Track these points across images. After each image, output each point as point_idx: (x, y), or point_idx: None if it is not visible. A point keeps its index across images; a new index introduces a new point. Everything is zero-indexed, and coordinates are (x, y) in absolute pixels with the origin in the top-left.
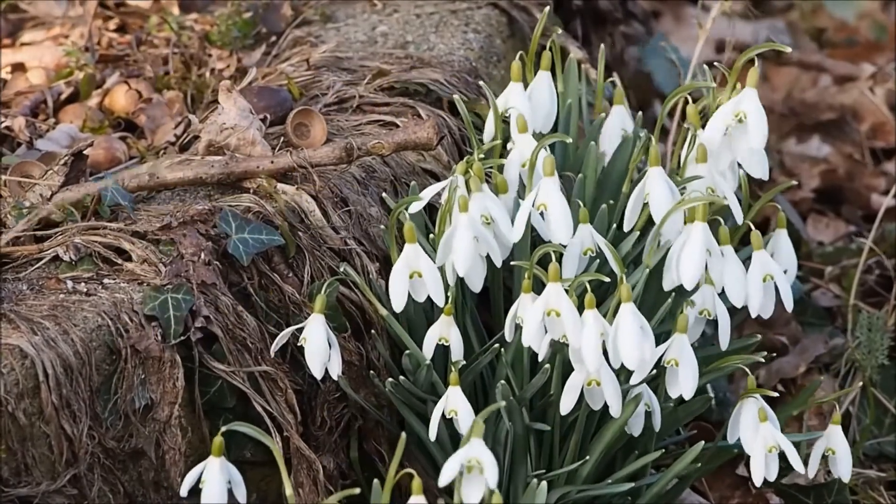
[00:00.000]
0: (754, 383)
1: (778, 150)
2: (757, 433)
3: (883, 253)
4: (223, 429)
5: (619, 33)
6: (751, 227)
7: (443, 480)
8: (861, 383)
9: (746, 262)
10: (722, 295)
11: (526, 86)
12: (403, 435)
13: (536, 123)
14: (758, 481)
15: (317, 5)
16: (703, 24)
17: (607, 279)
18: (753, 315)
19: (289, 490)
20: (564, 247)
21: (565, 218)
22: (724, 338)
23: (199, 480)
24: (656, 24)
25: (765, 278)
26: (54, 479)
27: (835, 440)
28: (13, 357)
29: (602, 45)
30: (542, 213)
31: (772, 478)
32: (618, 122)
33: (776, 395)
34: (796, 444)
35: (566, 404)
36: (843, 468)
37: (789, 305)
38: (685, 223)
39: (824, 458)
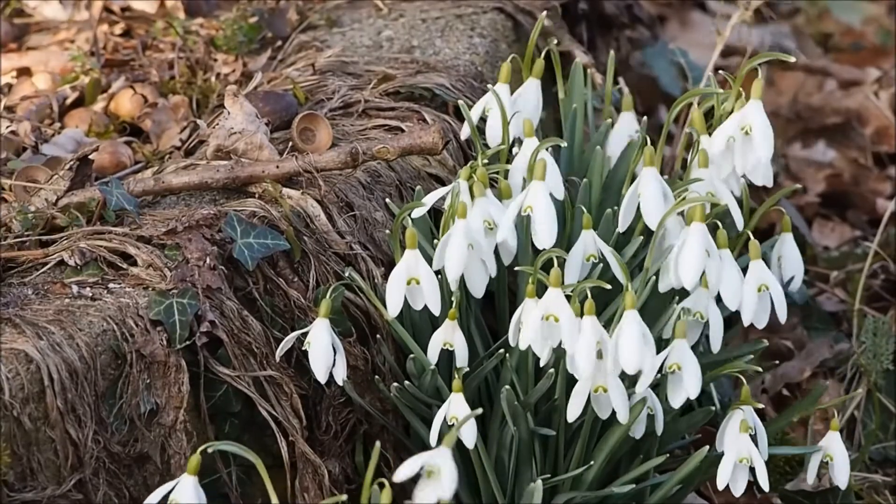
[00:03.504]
0: (748, 394)
1: (783, 155)
2: (734, 441)
3: (888, 257)
4: (205, 447)
5: (624, 38)
6: (749, 236)
7: (397, 477)
8: (866, 388)
9: (747, 270)
10: (717, 299)
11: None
12: (377, 444)
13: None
14: (720, 486)
15: (322, 10)
16: (721, 31)
17: (608, 286)
18: (746, 324)
19: (274, 500)
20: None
21: (549, 222)
22: (716, 342)
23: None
24: (662, 29)
25: (760, 288)
26: (59, 484)
27: (833, 447)
28: (18, 362)
29: (615, 51)
30: (528, 216)
31: (737, 491)
32: (625, 129)
33: (762, 406)
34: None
35: (573, 411)
36: (841, 475)
37: (783, 316)
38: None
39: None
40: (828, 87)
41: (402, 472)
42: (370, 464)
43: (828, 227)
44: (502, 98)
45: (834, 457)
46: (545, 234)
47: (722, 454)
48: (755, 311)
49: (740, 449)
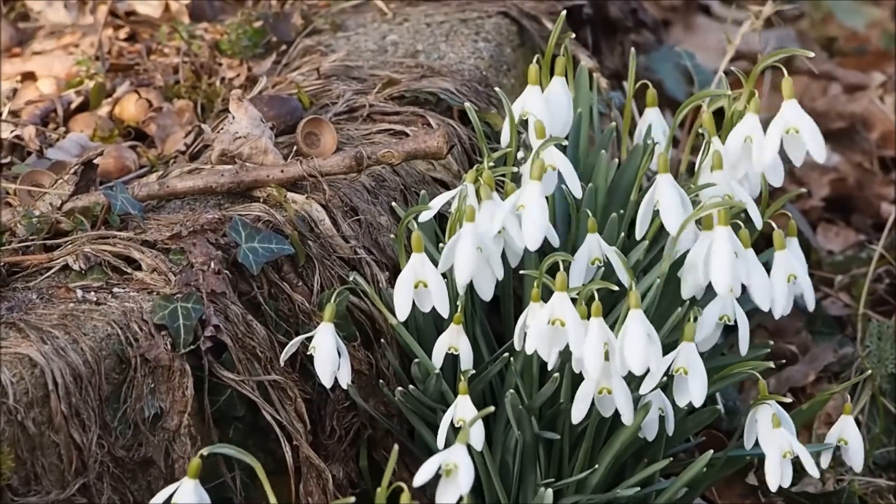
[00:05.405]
0: (766, 389)
1: (788, 159)
2: (772, 438)
3: (893, 261)
4: (204, 452)
5: (629, 42)
6: (773, 226)
7: (417, 481)
8: (871, 392)
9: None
10: (741, 299)
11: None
12: (396, 447)
13: (555, 129)
14: (773, 487)
15: (327, 14)
16: (731, 38)
17: (616, 288)
18: (777, 316)
19: (272, 500)
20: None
21: (538, 222)
22: (744, 343)
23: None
24: (666, 34)
25: (789, 278)
26: (64, 488)
27: (847, 432)
28: (23, 366)
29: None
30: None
31: (786, 484)
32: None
33: (788, 400)
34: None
35: (577, 413)
36: (856, 459)
37: (811, 304)
38: (703, 229)
39: (834, 467)
40: (832, 91)
41: (422, 476)
42: (388, 467)
43: (832, 231)
44: (535, 99)
45: (848, 441)
46: (531, 235)
47: (726, 457)
48: (785, 303)
49: (781, 444)
